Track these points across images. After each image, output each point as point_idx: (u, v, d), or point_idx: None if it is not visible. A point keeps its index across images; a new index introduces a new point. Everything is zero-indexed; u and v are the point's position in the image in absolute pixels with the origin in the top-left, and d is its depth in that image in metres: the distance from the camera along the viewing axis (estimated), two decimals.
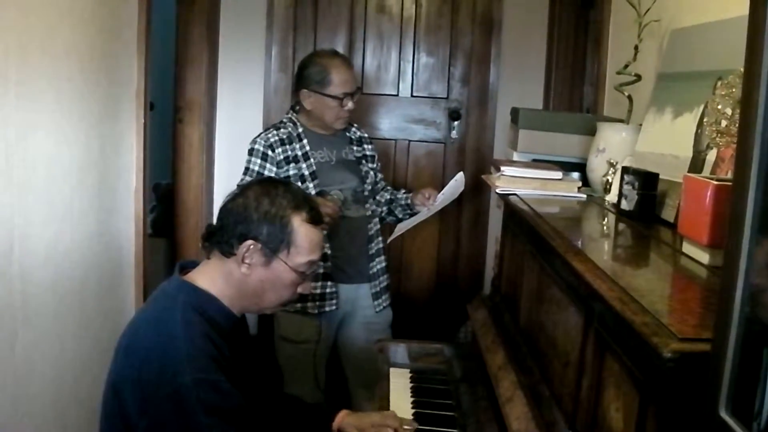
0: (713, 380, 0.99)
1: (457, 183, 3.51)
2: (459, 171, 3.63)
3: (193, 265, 2.26)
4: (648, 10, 2.73)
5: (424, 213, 3.54)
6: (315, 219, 2.20)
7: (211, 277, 2.16)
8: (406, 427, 2.42)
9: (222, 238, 2.14)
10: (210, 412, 1.94)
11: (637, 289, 1.38)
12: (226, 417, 1.97)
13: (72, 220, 3.01)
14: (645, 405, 1.26)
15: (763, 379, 0.96)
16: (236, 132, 4.66)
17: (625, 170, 2.22)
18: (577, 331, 1.68)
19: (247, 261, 2.12)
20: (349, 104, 3.39)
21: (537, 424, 1.85)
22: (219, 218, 2.19)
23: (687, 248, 1.71)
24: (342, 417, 2.49)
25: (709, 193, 1.59)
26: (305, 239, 2.16)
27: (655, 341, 1.14)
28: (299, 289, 2.23)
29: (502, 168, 2.69)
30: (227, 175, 4.53)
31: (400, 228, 3.62)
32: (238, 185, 3.21)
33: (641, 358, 1.27)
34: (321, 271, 3.30)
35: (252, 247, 2.11)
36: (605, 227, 2.30)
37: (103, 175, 3.31)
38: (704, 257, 1.62)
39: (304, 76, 3.39)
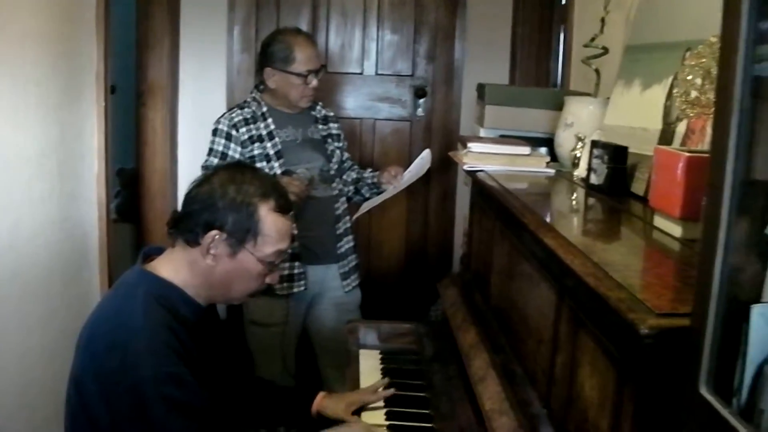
0: (693, 357, 0.97)
1: (423, 160, 3.49)
2: (425, 149, 3.61)
3: (159, 251, 2.19)
4: None
5: (390, 191, 3.52)
6: (283, 207, 2.13)
7: (175, 266, 2.09)
8: (382, 394, 2.44)
9: (187, 226, 2.07)
10: (171, 406, 1.91)
11: (610, 264, 1.36)
12: (188, 410, 1.93)
13: (32, 206, 2.95)
14: (621, 383, 1.24)
15: (743, 354, 0.94)
16: (200, 114, 4.61)
17: (594, 144, 2.20)
18: (550, 308, 1.65)
19: (212, 251, 2.05)
20: (314, 81, 3.36)
21: (510, 403, 1.83)
22: (184, 205, 2.11)
23: (659, 221, 1.69)
24: (320, 399, 2.47)
25: (681, 165, 1.57)
26: (273, 229, 2.09)
27: (632, 317, 1.11)
28: (267, 280, 2.17)
29: (470, 144, 2.66)
30: (192, 159, 4.48)
31: (366, 206, 3.60)
32: (202, 166, 3.19)
33: (617, 334, 1.25)
34: (288, 251, 3.26)
35: (217, 237, 2.03)
36: (575, 202, 2.29)
37: (63, 161, 3.25)
38: (677, 230, 1.61)
39: (268, 54, 3.35)
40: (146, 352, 1.90)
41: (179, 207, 2.17)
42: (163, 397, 1.89)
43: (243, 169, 2.20)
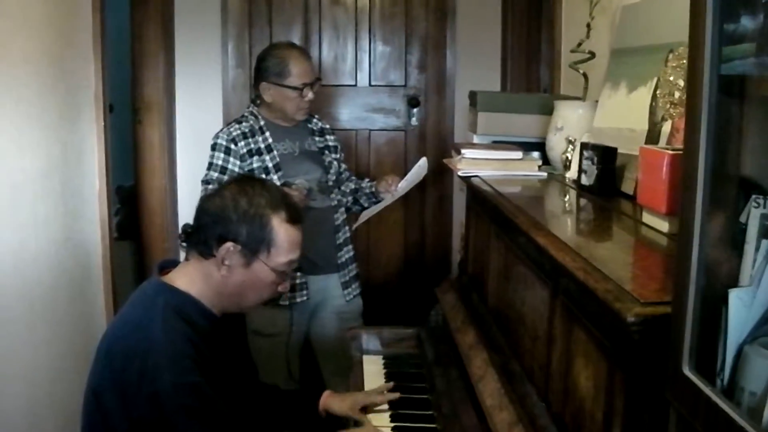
0: (675, 340, 1.03)
1: (420, 168, 3.54)
2: (421, 157, 3.66)
3: (173, 264, 2.26)
4: None
5: (388, 199, 3.57)
6: (294, 218, 2.19)
7: (191, 278, 2.15)
8: (387, 396, 2.50)
9: (199, 238, 2.14)
10: (190, 415, 1.95)
11: (599, 260, 1.41)
12: (206, 419, 1.98)
13: (37, 226, 3.00)
14: (612, 371, 1.30)
15: (724, 336, 1.00)
16: (196, 130, 4.65)
17: (584, 146, 2.25)
18: (544, 304, 1.71)
19: (226, 263, 2.11)
20: (309, 94, 3.40)
21: (510, 399, 1.88)
22: (196, 218, 2.18)
23: (647, 218, 1.75)
24: (326, 397, 2.54)
25: (665, 163, 1.63)
26: (285, 239, 2.16)
27: (619, 306, 1.17)
28: (279, 288, 2.24)
29: (463, 151, 2.71)
30: (190, 174, 4.52)
31: (365, 215, 3.65)
32: (202, 181, 3.24)
33: (607, 325, 1.31)
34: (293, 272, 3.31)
35: (231, 248, 2.10)
36: (567, 203, 2.34)
37: (66, 180, 3.30)
38: (664, 226, 1.66)
39: (263, 69, 3.40)
40: (166, 362, 1.95)
41: (179, 222, 2.24)
42: (183, 407, 1.94)
43: (252, 181, 2.27)
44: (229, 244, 2.10)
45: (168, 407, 1.93)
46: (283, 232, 2.15)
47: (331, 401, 2.53)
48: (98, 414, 2.03)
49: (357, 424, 2.44)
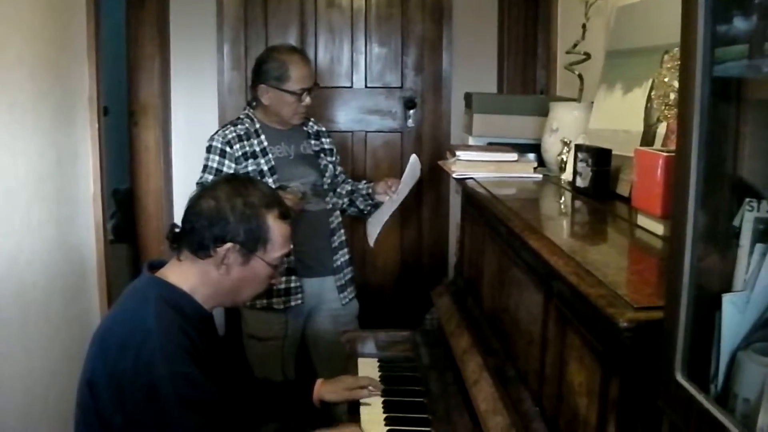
0: (667, 346, 1.01)
1: (412, 166, 3.51)
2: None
3: (161, 264, 2.28)
4: None
5: (395, 200, 3.54)
6: (285, 214, 2.27)
7: (185, 275, 2.18)
8: (371, 389, 2.55)
9: (194, 240, 2.16)
10: (184, 405, 1.98)
11: (593, 263, 1.40)
12: (200, 409, 2.01)
13: (31, 230, 2.98)
14: (607, 376, 1.28)
15: (717, 342, 0.98)
16: (192, 133, 4.63)
17: (578, 148, 2.24)
18: (538, 309, 1.70)
19: (225, 262, 2.16)
20: (307, 100, 3.39)
21: (504, 403, 1.86)
22: (188, 220, 2.20)
23: (642, 221, 1.74)
24: (318, 387, 2.57)
25: (660, 165, 1.62)
26: (278, 234, 2.22)
27: (611, 312, 1.16)
28: (272, 281, 2.31)
29: (458, 153, 2.70)
30: (186, 177, 4.50)
31: (375, 227, 3.62)
32: (197, 183, 3.23)
33: (600, 330, 1.30)
34: (284, 265, 3.30)
35: (230, 248, 2.15)
36: (561, 205, 2.33)
37: (60, 184, 3.29)
38: (659, 228, 1.65)
39: (263, 72, 3.38)
40: (160, 352, 1.98)
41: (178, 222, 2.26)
42: (178, 396, 1.96)
43: (243, 181, 2.32)
44: (228, 245, 2.15)
45: (163, 396, 1.96)
46: (276, 229, 2.22)
47: (324, 390, 2.56)
48: (92, 405, 2.04)
49: (351, 412, 2.50)
